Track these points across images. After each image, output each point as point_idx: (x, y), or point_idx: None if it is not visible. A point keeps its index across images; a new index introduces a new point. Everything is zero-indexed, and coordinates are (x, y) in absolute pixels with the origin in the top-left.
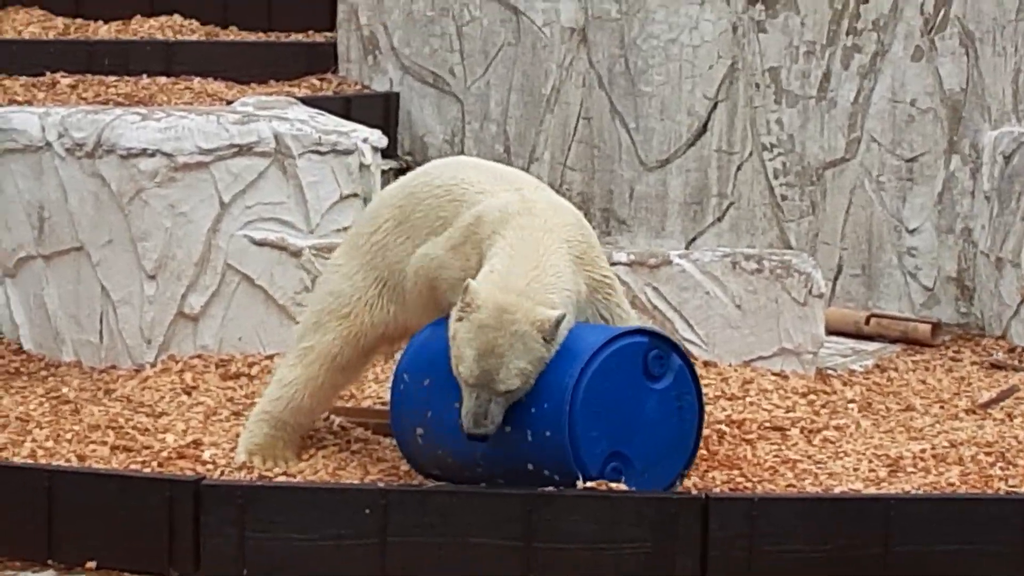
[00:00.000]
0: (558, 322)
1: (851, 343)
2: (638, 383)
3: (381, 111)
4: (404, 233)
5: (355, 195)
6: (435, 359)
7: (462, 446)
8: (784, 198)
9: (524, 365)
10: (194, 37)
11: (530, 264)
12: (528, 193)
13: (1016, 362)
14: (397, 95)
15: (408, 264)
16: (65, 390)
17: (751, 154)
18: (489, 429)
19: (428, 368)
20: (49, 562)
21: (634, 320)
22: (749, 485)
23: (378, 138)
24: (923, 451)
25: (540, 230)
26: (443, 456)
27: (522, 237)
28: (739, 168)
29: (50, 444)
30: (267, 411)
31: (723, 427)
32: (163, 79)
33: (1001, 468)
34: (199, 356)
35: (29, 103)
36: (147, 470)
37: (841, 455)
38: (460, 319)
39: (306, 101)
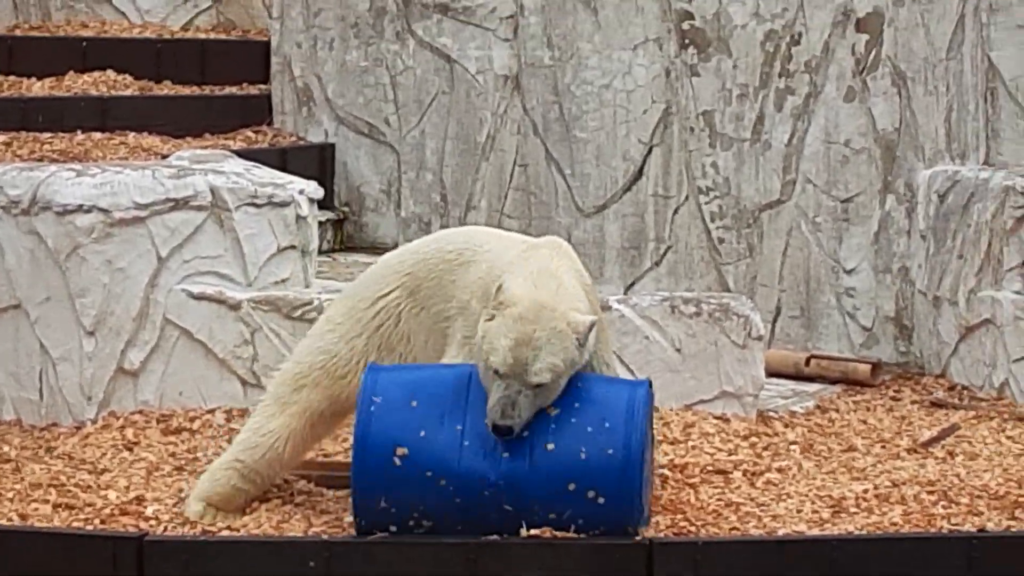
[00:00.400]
0: (592, 326)
1: (791, 385)
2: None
3: (317, 162)
4: (418, 304)
5: (292, 247)
6: (421, 383)
7: (465, 467)
8: (721, 241)
9: (557, 362)
10: (128, 92)
11: (552, 282)
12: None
13: (956, 400)
14: (332, 146)
15: (420, 333)
16: (6, 448)
17: (687, 198)
18: (516, 422)
19: (413, 390)
20: None
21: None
22: (693, 529)
23: (314, 189)
24: (866, 491)
25: (550, 259)
26: (433, 481)
27: (537, 265)
28: (676, 212)
29: None
30: (240, 460)
31: (666, 471)
32: (98, 134)
33: (943, 507)
34: (140, 412)
35: None
36: (90, 527)
37: (784, 497)
38: (492, 317)
39: (241, 154)
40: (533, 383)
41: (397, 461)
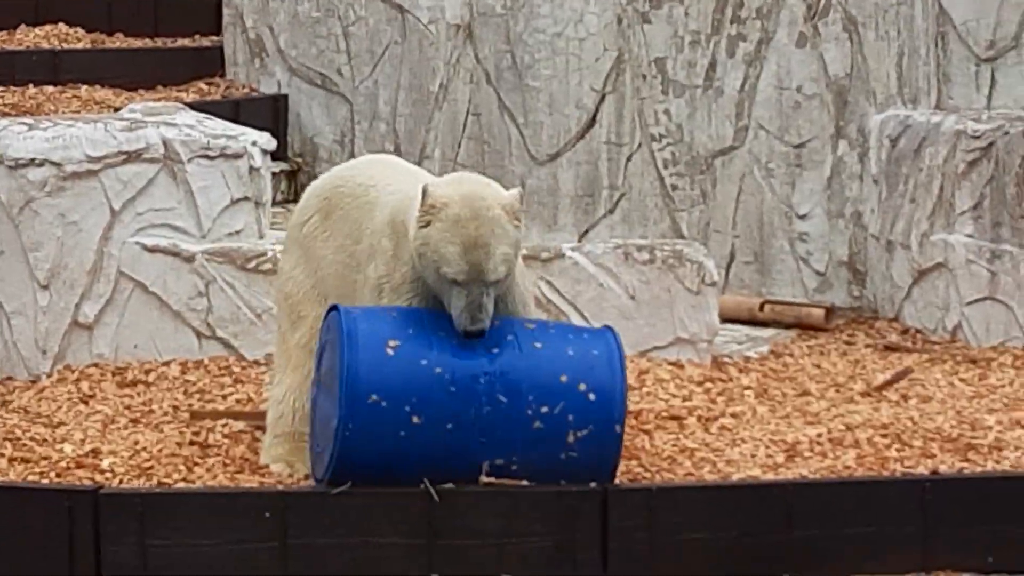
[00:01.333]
0: (521, 198)
1: (746, 330)
2: None
3: (270, 113)
4: (327, 230)
5: (246, 198)
6: (393, 309)
7: (460, 354)
8: (675, 188)
9: (507, 250)
10: (80, 45)
11: (472, 178)
12: None
13: (909, 343)
14: (286, 97)
15: (328, 265)
16: None
17: (640, 145)
18: (485, 324)
19: (389, 313)
20: None
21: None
22: (648, 475)
23: (267, 140)
24: (820, 435)
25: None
26: (428, 369)
27: (452, 174)
28: (629, 159)
29: None
30: (279, 434)
31: None
32: (50, 88)
33: (897, 450)
34: (95, 365)
35: None
36: (45, 481)
37: (739, 442)
38: (427, 224)
39: (194, 106)
40: (491, 281)
41: (390, 351)
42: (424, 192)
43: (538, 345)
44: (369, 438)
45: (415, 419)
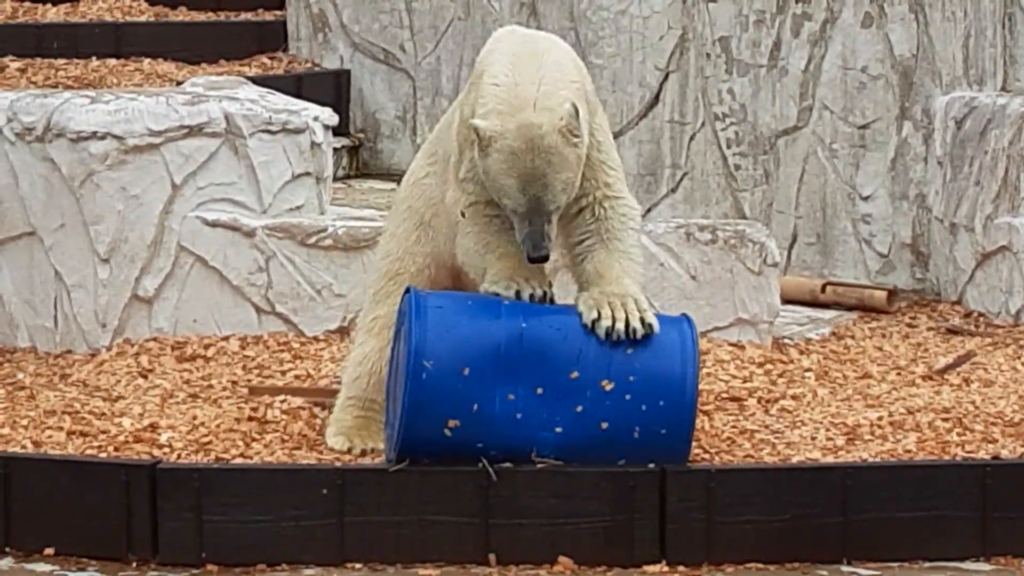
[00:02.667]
0: (576, 112)
1: (807, 311)
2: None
3: (332, 89)
4: (439, 162)
5: (307, 174)
6: (469, 344)
7: (517, 440)
8: (737, 168)
9: (568, 175)
10: (143, 18)
11: (533, 66)
12: None
13: (972, 327)
14: (348, 72)
15: (428, 205)
16: (20, 376)
17: (703, 124)
18: (547, 250)
19: (463, 354)
20: (7, 549)
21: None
22: (707, 456)
23: (329, 116)
24: (880, 418)
25: (536, 37)
26: (484, 452)
27: (518, 44)
28: (692, 139)
29: (6, 431)
30: (351, 396)
31: None
32: (112, 61)
33: (958, 434)
34: (154, 339)
35: None
36: (103, 455)
37: (798, 424)
38: (485, 155)
39: (256, 80)
40: (552, 210)
41: (448, 432)
42: (476, 130)
43: (604, 427)
44: (433, 416)
45: (479, 400)
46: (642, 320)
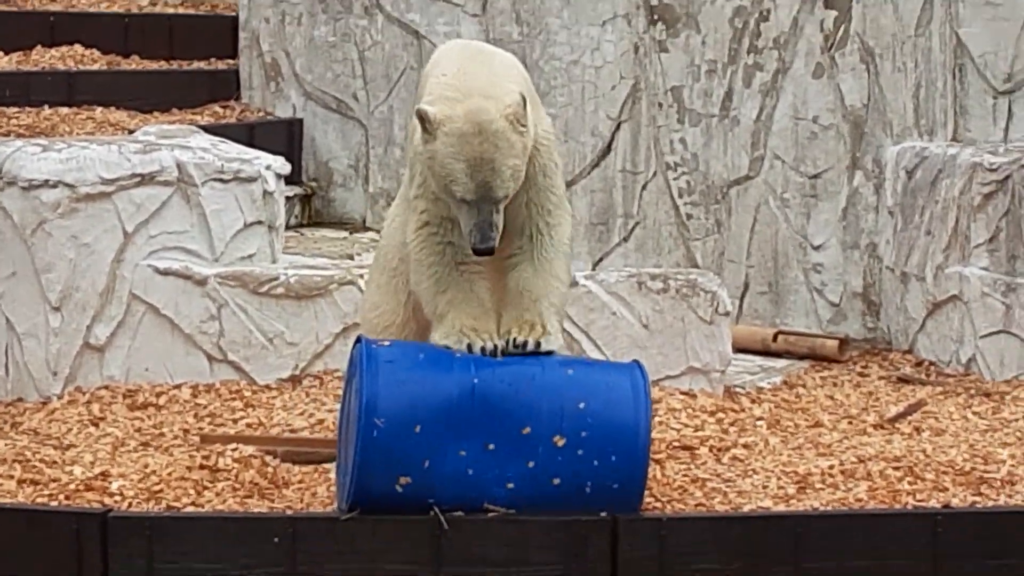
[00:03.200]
0: (524, 102)
1: (759, 360)
2: None
3: (285, 137)
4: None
5: (259, 222)
6: (422, 402)
7: (469, 496)
8: (689, 217)
9: (515, 162)
10: (95, 67)
11: (481, 61)
12: None
13: (923, 376)
14: (300, 121)
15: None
16: None
17: (655, 174)
18: (494, 242)
19: (415, 411)
20: None
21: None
22: (659, 505)
23: (281, 164)
24: (831, 467)
25: (483, 44)
26: (436, 505)
27: (465, 47)
28: (644, 188)
29: None
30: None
31: None
32: (65, 109)
33: (909, 483)
34: (106, 387)
35: None
36: (54, 503)
37: (750, 473)
38: (432, 139)
39: (209, 129)
40: (500, 198)
41: (399, 488)
42: (423, 113)
43: (556, 483)
44: (385, 473)
45: (431, 457)
46: (538, 343)
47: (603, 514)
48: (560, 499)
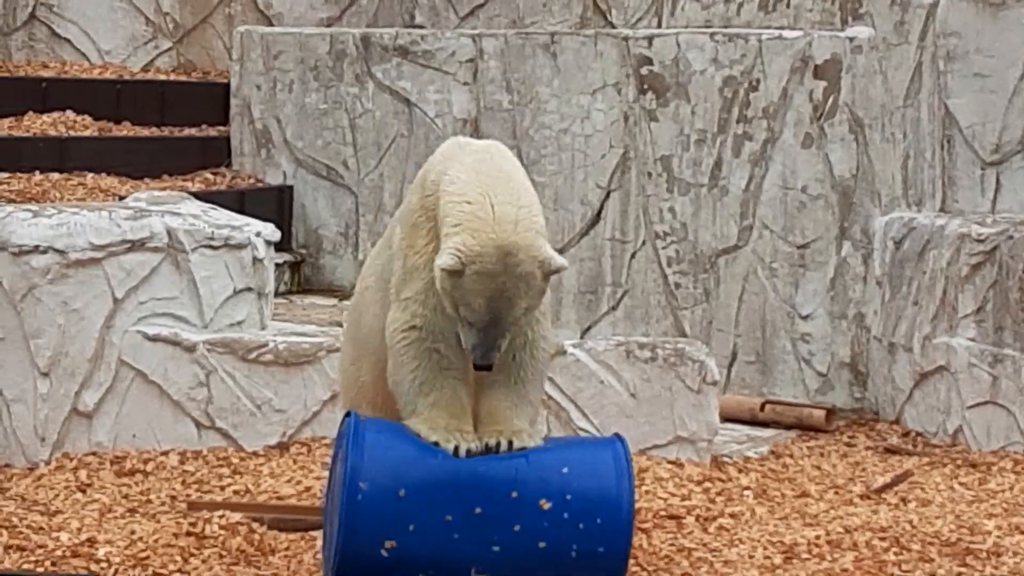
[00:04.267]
0: (559, 267)
1: (746, 430)
2: None
3: (275, 204)
4: (376, 281)
5: (249, 289)
6: (407, 467)
7: (455, 559)
8: (678, 286)
9: (532, 302)
10: (87, 133)
11: (504, 183)
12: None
13: (910, 446)
14: (291, 188)
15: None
16: None
17: (644, 243)
18: (496, 357)
19: (399, 476)
20: None
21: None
22: (645, 575)
23: (271, 231)
24: (818, 537)
25: (489, 150)
26: (422, 570)
27: (478, 159)
28: (633, 256)
29: None
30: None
31: None
32: (56, 175)
33: (895, 553)
34: (94, 453)
35: None
36: (40, 569)
37: (736, 543)
38: (459, 271)
39: (199, 195)
40: (508, 327)
41: (385, 553)
42: (455, 249)
43: (542, 546)
44: (370, 537)
45: (416, 521)
46: (510, 442)
47: None
48: (546, 563)
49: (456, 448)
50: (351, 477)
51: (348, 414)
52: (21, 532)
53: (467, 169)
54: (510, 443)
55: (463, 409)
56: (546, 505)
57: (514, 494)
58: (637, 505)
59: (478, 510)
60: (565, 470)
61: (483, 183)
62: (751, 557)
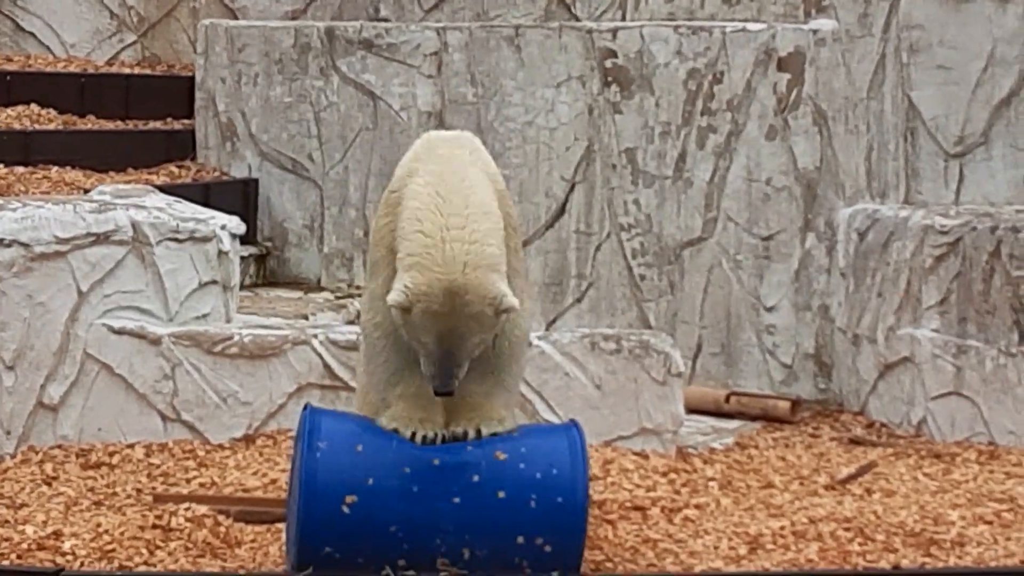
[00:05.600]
0: (509, 306)
1: (711, 421)
2: None
3: (240, 197)
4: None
5: (214, 282)
6: (362, 429)
7: (416, 513)
8: (643, 278)
9: (484, 336)
10: (51, 126)
11: (460, 206)
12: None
13: (874, 437)
14: (256, 181)
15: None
16: None
17: (609, 235)
18: (453, 386)
19: (357, 434)
20: None
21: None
22: (611, 565)
23: (236, 224)
24: (783, 528)
25: (460, 159)
26: (383, 527)
27: (443, 168)
28: (598, 249)
29: None
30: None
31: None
32: (20, 168)
33: (860, 543)
34: (59, 446)
35: None
36: (5, 563)
37: (702, 534)
38: (407, 308)
39: (164, 189)
40: (463, 360)
41: (346, 509)
42: (402, 278)
43: (501, 495)
44: (330, 493)
45: (374, 475)
46: (478, 430)
47: (554, 574)
48: (507, 516)
49: (413, 434)
50: (310, 436)
51: (305, 406)
52: None
53: (429, 184)
54: (478, 431)
55: (430, 400)
56: (502, 456)
57: (469, 447)
58: (602, 496)
59: (436, 461)
60: (515, 432)
61: (440, 207)
62: (716, 548)
